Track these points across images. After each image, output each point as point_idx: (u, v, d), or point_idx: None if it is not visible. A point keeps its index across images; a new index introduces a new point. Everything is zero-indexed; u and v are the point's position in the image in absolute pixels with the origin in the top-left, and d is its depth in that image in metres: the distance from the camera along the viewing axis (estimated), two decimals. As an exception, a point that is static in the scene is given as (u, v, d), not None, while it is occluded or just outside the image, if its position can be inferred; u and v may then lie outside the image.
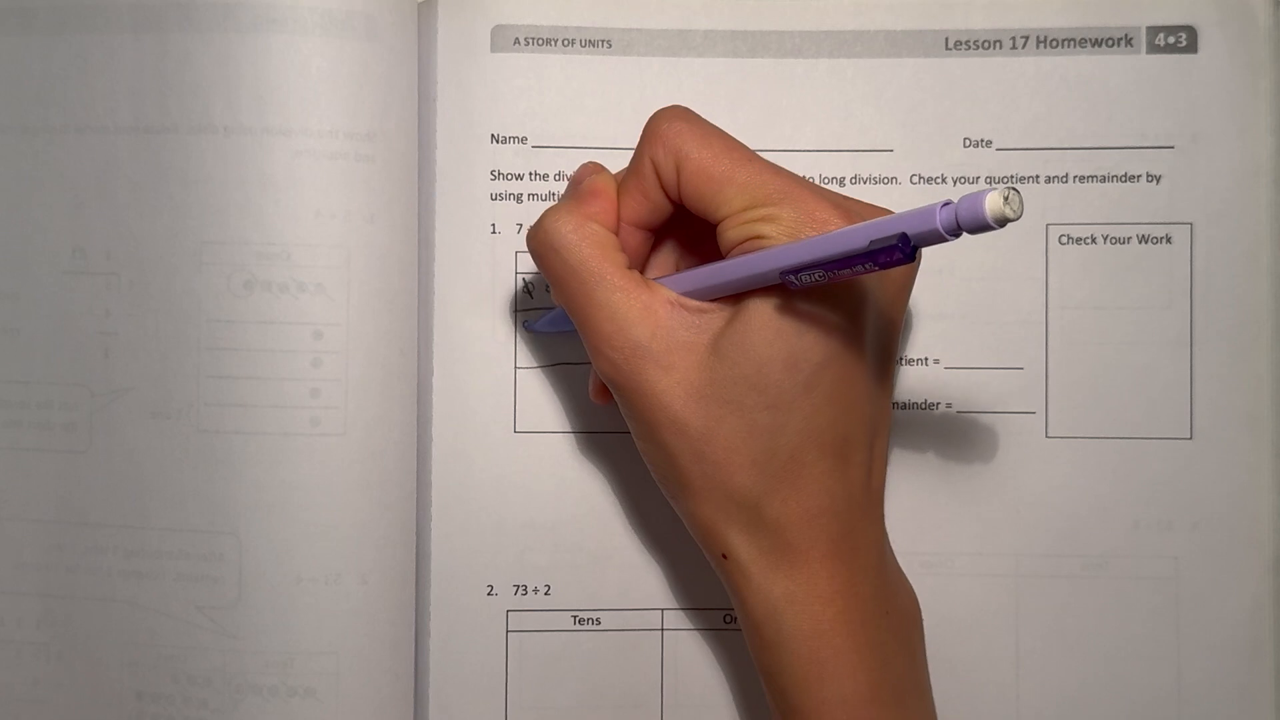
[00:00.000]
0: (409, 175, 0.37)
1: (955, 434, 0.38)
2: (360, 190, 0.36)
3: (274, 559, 0.36)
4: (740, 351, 0.29)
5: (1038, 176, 0.37)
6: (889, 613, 0.32)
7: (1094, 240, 0.37)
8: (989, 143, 0.37)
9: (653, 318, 0.30)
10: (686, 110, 0.32)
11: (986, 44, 0.37)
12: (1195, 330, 0.37)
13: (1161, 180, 0.37)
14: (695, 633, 0.38)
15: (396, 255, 0.37)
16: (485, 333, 0.37)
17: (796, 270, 0.28)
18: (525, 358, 0.38)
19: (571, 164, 0.38)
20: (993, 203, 0.24)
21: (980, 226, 0.24)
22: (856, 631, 0.30)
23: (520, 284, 0.38)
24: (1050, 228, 0.37)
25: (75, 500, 0.37)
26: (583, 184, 0.33)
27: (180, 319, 0.36)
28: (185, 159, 0.36)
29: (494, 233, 0.38)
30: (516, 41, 0.37)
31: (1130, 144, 0.37)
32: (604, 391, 0.35)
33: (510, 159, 0.38)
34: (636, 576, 0.38)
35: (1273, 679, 0.37)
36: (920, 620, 0.33)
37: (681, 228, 0.33)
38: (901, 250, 0.26)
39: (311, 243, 0.36)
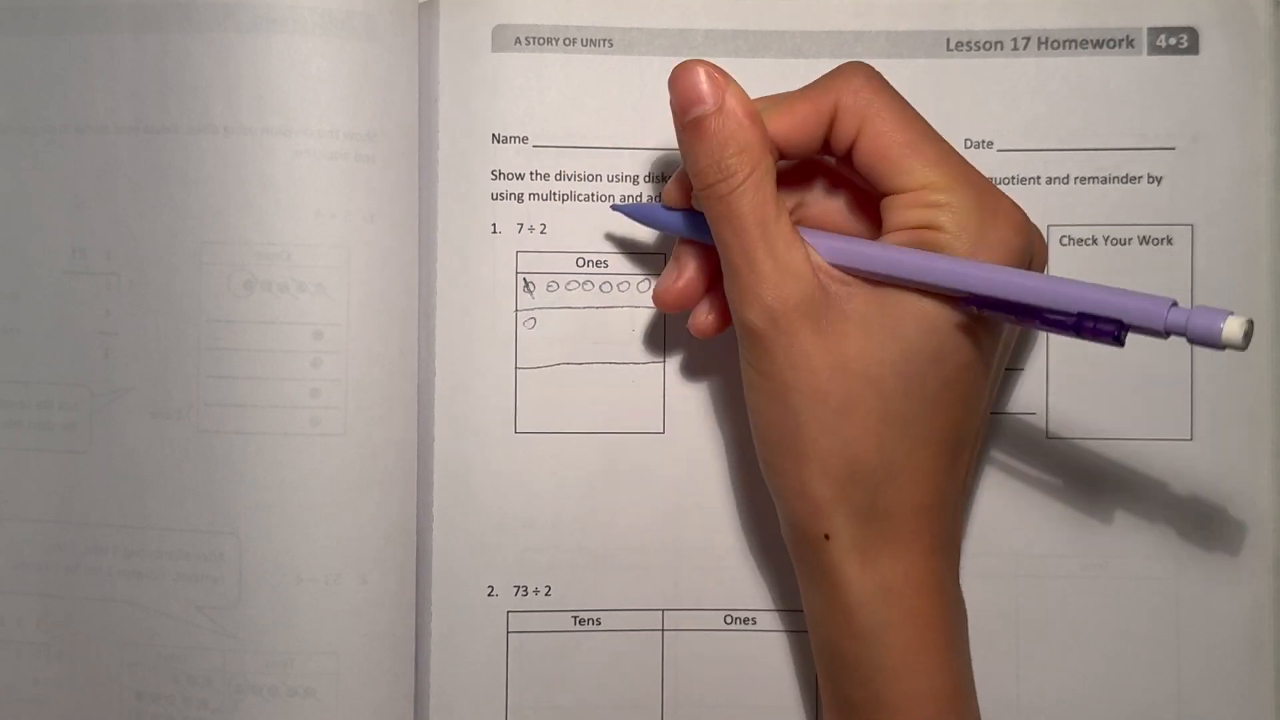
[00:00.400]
0: (409, 175, 0.37)
1: (955, 434, 0.38)
2: (360, 190, 0.36)
3: (274, 559, 0.36)
4: (891, 335, 0.29)
5: (1038, 177, 0.37)
6: (960, 612, 0.32)
7: (1095, 241, 0.37)
8: (990, 143, 0.37)
9: (814, 277, 0.29)
10: (881, 74, 0.31)
11: (987, 45, 0.37)
12: (1195, 331, 0.37)
13: (1162, 181, 0.37)
14: (695, 633, 0.38)
15: (397, 255, 0.37)
16: (486, 333, 0.37)
17: (988, 305, 0.27)
18: (526, 358, 0.38)
19: (572, 163, 0.38)
20: (1230, 329, 0.24)
21: (1210, 344, 0.24)
22: (947, 626, 0.30)
23: (520, 283, 0.38)
24: (1051, 229, 0.37)
25: (75, 500, 0.37)
26: (743, 107, 0.30)
27: (180, 319, 0.36)
28: (185, 159, 0.36)
29: (494, 232, 0.37)
30: (517, 41, 0.37)
31: (1131, 145, 0.37)
32: (677, 302, 0.33)
33: (511, 159, 0.38)
34: (636, 577, 0.38)
35: (1273, 679, 0.37)
36: (968, 623, 0.33)
37: (811, 179, 0.32)
38: (1115, 337, 0.25)
39: (312, 243, 0.36)
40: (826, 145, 0.31)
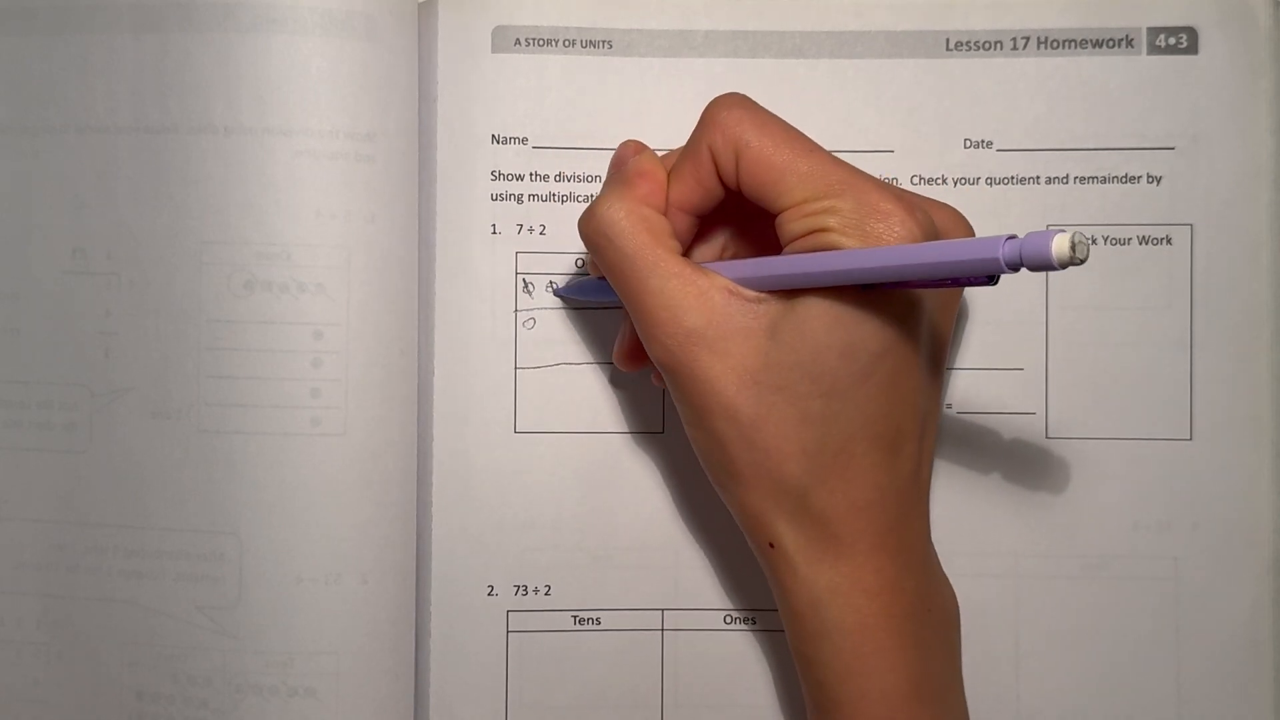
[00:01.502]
0: (409, 175, 0.37)
1: (955, 434, 0.38)
2: (360, 190, 0.36)
3: (274, 559, 0.36)
4: (798, 337, 0.29)
5: (1038, 177, 0.37)
6: (931, 609, 0.32)
7: (1095, 241, 0.37)
8: (990, 143, 0.37)
9: (708, 304, 0.30)
10: (746, 98, 0.31)
11: (987, 45, 0.37)
12: (1195, 331, 0.37)
13: (1162, 181, 0.37)
14: (695, 633, 0.38)
15: (397, 255, 0.37)
16: (485, 333, 0.37)
17: (877, 284, 0.28)
18: (525, 358, 0.38)
19: (572, 164, 0.38)
20: (1059, 246, 0.24)
21: (1044, 266, 0.24)
22: (900, 626, 0.30)
23: (520, 284, 0.38)
24: (1051, 228, 0.37)
25: (75, 500, 0.37)
26: (629, 165, 0.32)
27: (180, 319, 0.36)
28: (185, 159, 0.36)
29: (494, 233, 0.38)
30: (517, 42, 0.37)
31: (1131, 145, 0.37)
32: (632, 358, 0.35)
33: (511, 159, 0.38)
34: (636, 576, 0.38)
35: (1273, 679, 0.37)
36: (959, 619, 0.33)
37: (729, 212, 0.33)
38: (988, 278, 0.26)
39: (312, 243, 0.36)
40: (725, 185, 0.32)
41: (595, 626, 0.37)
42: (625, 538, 0.38)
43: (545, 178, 0.38)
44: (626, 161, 0.33)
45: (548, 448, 0.38)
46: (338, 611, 0.36)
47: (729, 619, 0.38)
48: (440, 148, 0.37)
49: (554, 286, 0.38)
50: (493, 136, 0.38)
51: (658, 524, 0.38)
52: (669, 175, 0.32)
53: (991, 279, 0.27)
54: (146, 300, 0.36)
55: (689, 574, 0.38)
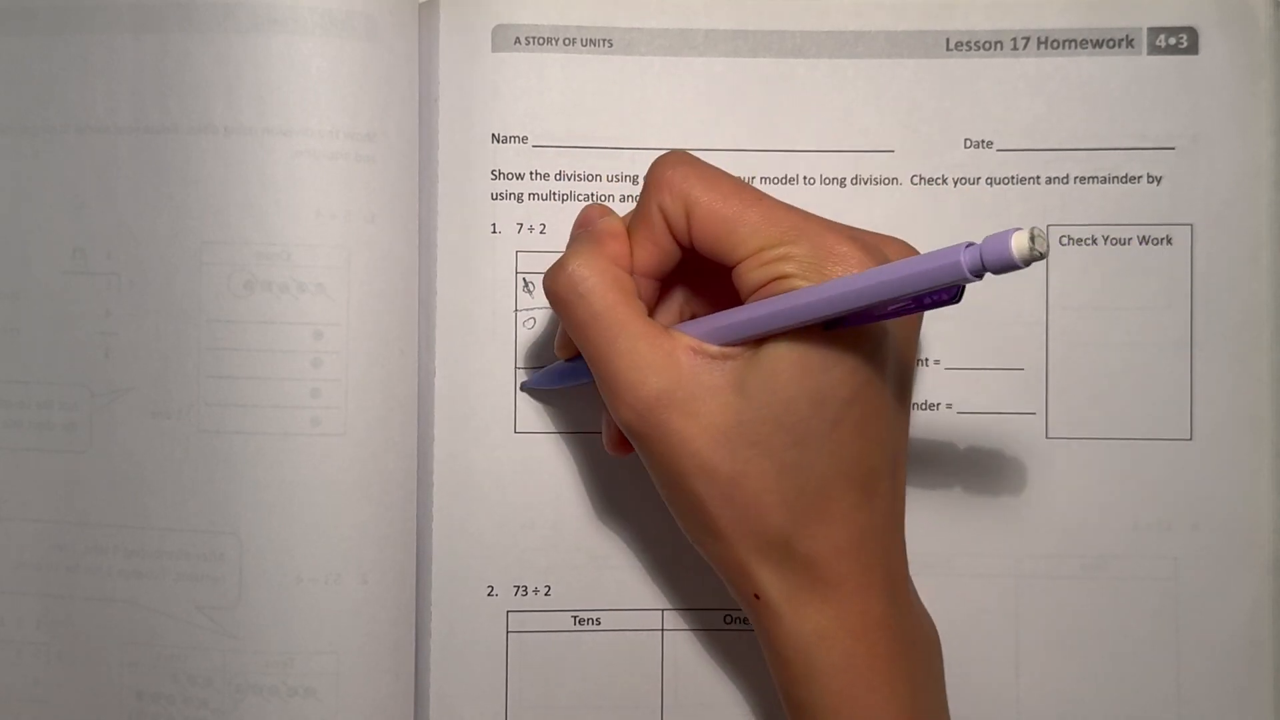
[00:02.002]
0: (409, 175, 0.37)
1: (955, 434, 0.38)
2: (360, 190, 0.36)
3: (274, 559, 0.36)
4: (767, 391, 0.29)
5: (1038, 177, 0.37)
6: (915, 643, 0.32)
7: (1094, 241, 0.37)
8: (990, 143, 0.37)
9: (675, 365, 0.30)
10: (687, 154, 0.31)
11: (987, 45, 0.37)
12: (1195, 331, 0.37)
13: (1162, 181, 0.37)
14: (695, 633, 0.38)
15: (397, 255, 0.37)
16: (486, 333, 0.37)
17: (844, 316, 0.28)
18: (526, 358, 0.38)
19: (572, 163, 0.38)
20: (1019, 243, 0.24)
21: (1007, 267, 0.24)
22: (888, 663, 0.30)
23: (520, 283, 0.38)
24: (1051, 229, 0.37)
25: (75, 500, 0.37)
26: (597, 225, 0.32)
27: (180, 319, 0.36)
28: (185, 159, 0.36)
29: (494, 232, 0.38)
30: (517, 41, 0.37)
31: (1131, 145, 0.37)
32: (623, 443, 0.34)
33: (511, 159, 0.38)
34: (636, 576, 0.38)
35: (1273, 679, 0.37)
36: (940, 647, 0.33)
37: (686, 273, 0.33)
38: (949, 294, 0.26)
39: (312, 243, 0.36)
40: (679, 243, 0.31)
41: (595, 626, 0.37)
42: (625, 538, 0.38)
43: (545, 177, 0.38)
44: (593, 223, 0.33)
45: (548, 448, 0.38)
46: (338, 611, 0.36)
47: (729, 619, 0.38)
48: (440, 147, 0.37)
49: (523, 384, 0.37)
50: (493, 136, 0.38)
51: (658, 524, 0.38)
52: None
53: (954, 297, 0.26)
54: (146, 300, 0.36)
55: (689, 574, 0.38)
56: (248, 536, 0.36)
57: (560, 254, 0.37)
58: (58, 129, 0.37)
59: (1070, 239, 0.37)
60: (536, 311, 0.38)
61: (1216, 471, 0.37)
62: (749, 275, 0.30)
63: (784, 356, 0.29)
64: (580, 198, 0.38)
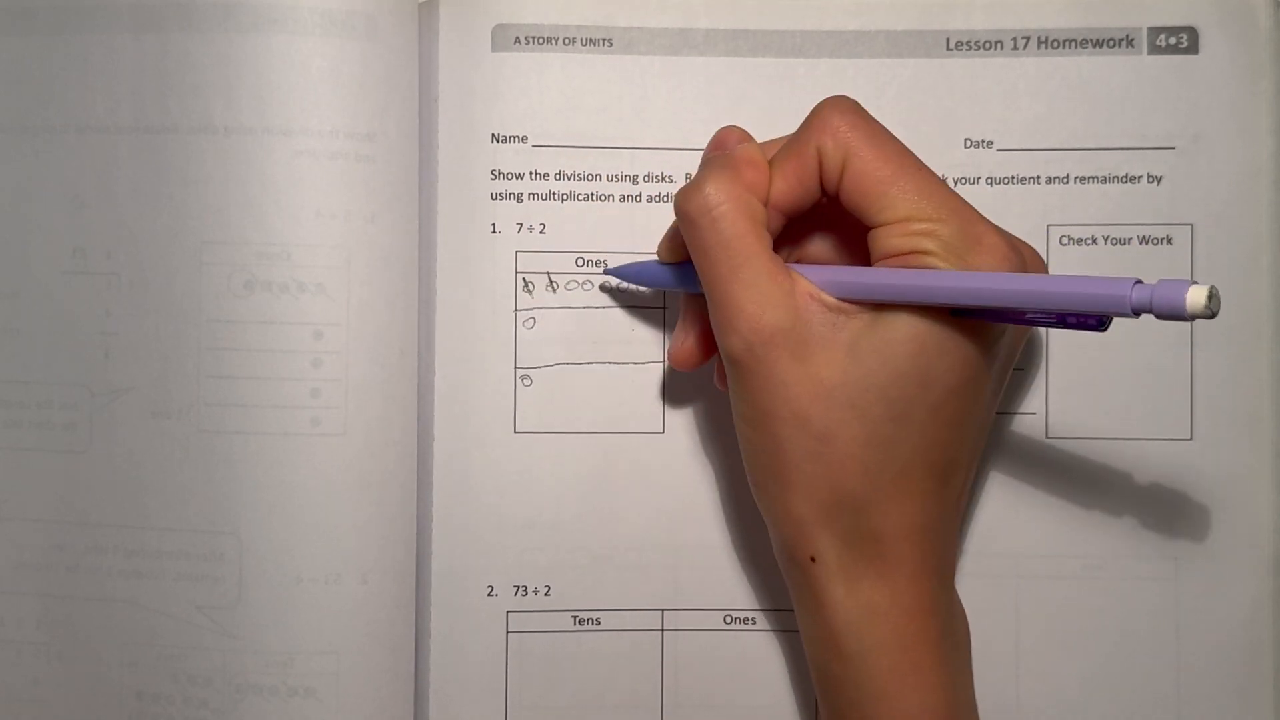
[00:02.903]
0: (409, 175, 0.37)
1: (955, 434, 0.38)
2: (361, 190, 0.36)
3: (274, 559, 0.36)
4: (879, 359, 0.29)
5: (1038, 177, 0.37)
6: (956, 632, 0.32)
7: (1095, 241, 0.37)
8: (990, 143, 0.37)
9: (794, 305, 0.30)
10: (857, 104, 0.31)
11: (987, 44, 0.37)
12: (1195, 331, 0.37)
13: (1162, 181, 0.37)
14: (695, 633, 0.38)
15: (397, 255, 0.37)
16: (486, 333, 0.37)
17: (979, 311, 0.28)
18: (526, 358, 0.38)
19: (572, 163, 0.38)
20: (1194, 297, 0.24)
21: (1174, 316, 0.24)
22: (935, 647, 0.30)
23: (520, 283, 0.38)
24: (1051, 228, 0.37)
25: (75, 500, 0.37)
26: (735, 151, 0.32)
27: (180, 319, 0.36)
28: (185, 159, 0.36)
29: (494, 232, 0.37)
30: (517, 40, 0.37)
31: (1131, 145, 0.37)
32: (689, 358, 0.34)
33: (511, 158, 0.38)
34: (636, 576, 0.38)
35: (1273, 679, 0.37)
36: (970, 642, 0.33)
37: (813, 217, 0.33)
38: (1097, 321, 0.26)
39: (312, 243, 0.36)
40: (823, 188, 0.31)
41: (595, 627, 0.37)
42: (625, 538, 0.38)
43: (545, 176, 0.38)
44: (728, 145, 0.32)
45: (548, 448, 0.38)
46: (338, 611, 0.36)
47: (729, 619, 0.38)
48: (440, 147, 0.37)
49: (608, 269, 0.37)
50: (493, 135, 0.37)
51: (658, 524, 0.38)
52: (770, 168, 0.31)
53: (1101, 324, 0.26)
54: (146, 300, 0.36)
55: (689, 574, 0.38)
56: (248, 536, 0.36)
57: (561, 253, 0.38)
58: (58, 129, 0.37)
59: (1070, 239, 0.37)
60: (536, 311, 0.38)
61: (1216, 471, 0.37)
62: (888, 241, 0.29)
63: (903, 329, 0.29)
64: (580, 198, 0.38)
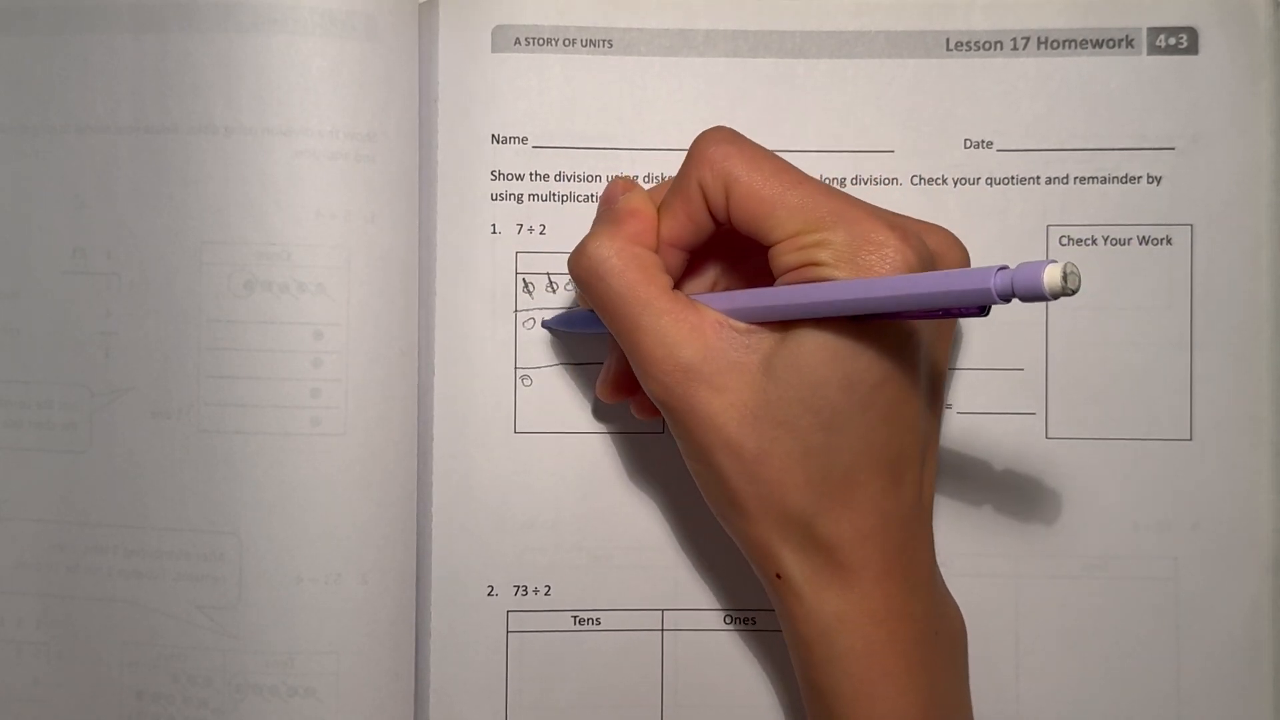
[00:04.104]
0: (409, 175, 0.37)
1: (955, 434, 0.38)
2: (361, 190, 0.36)
3: (274, 559, 0.36)
4: (795, 373, 0.29)
5: (1038, 177, 0.37)
6: (939, 632, 0.32)
7: (1094, 241, 0.37)
8: (990, 144, 0.37)
9: (702, 339, 0.30)
10: (733, 132, 0.31)
11: (987, 45, 0.37)
12: (1195, 331, 0.37)
13: (1162, 181, 0.37)
14: (695, 633, 0.38)
15: (397, 255, 0.37)
16: (486, 333, 0.37)
17: (868, 316, 0.28)
18: (526, 358, 0.38)
19: (572, 164, 0.38)
20: (1051, 276, 0.24)
21: (1036, 297, 0.24)
22: (908, 651, 0.30)
23: (520, 284, 0.38)
24: (1051, 229, 0.37)
25: (75, 500, 0.37)
26: (618, 204, 0.32)
27: (180, 319, 0.36)
28: (185, 159, 0.36)
29: (494, 233, 0.38)
30: (517, 41, 0.37)
31: (1131, 145, 0.37)
32: (615, 390, 0.35)
33: (511, 159, 0.38)
34: (636, 576, 0.38)
35: (1272, 679, 0.37)
36: (965, 638, 0.33)
37: (719, 246, 0.33)
38: (980, 309, 0.26)
39: (312, 243, 0.36)
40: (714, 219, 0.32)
41: (595, 626, 0.37)
42: (625, 538, 0.38)
43: (545, 177, 0.38)
44: (615, 199, 0.33)
45: (548, 448, 0.38)
46: (338, 611, 0.36)
47: (729, 619, 0.38)
48: (440, 147, 0.37)
49: (545, 321, 0.37)
50: (493, 136, 0.38)
51: (658, 524, 0.38)
52: (660, 210, 0.32)
53: (983, 310, 0.27)
54: (146, 300, 0.36)
55: (689, 574, 0.38)
56: (248, 536, 0.36)
57: (561, 253, 0.38)
58: (58, 129, 0.37)
59: (1070, 239, 0.37)
60: (536, 311, 0.38)
61: (1216, 471, 0.37)
62: (783, 258, 0.30)
63: (812, 342, 0.29)
64: (580, 198, 0.38)
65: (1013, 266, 0.25)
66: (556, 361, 0.38)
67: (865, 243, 0.29)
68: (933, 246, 0.30)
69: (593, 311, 0.35)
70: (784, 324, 0.30)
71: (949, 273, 0.27)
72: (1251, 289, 0.37)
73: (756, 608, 0.37)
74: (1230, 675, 0.37)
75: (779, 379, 0.29)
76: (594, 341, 0.38)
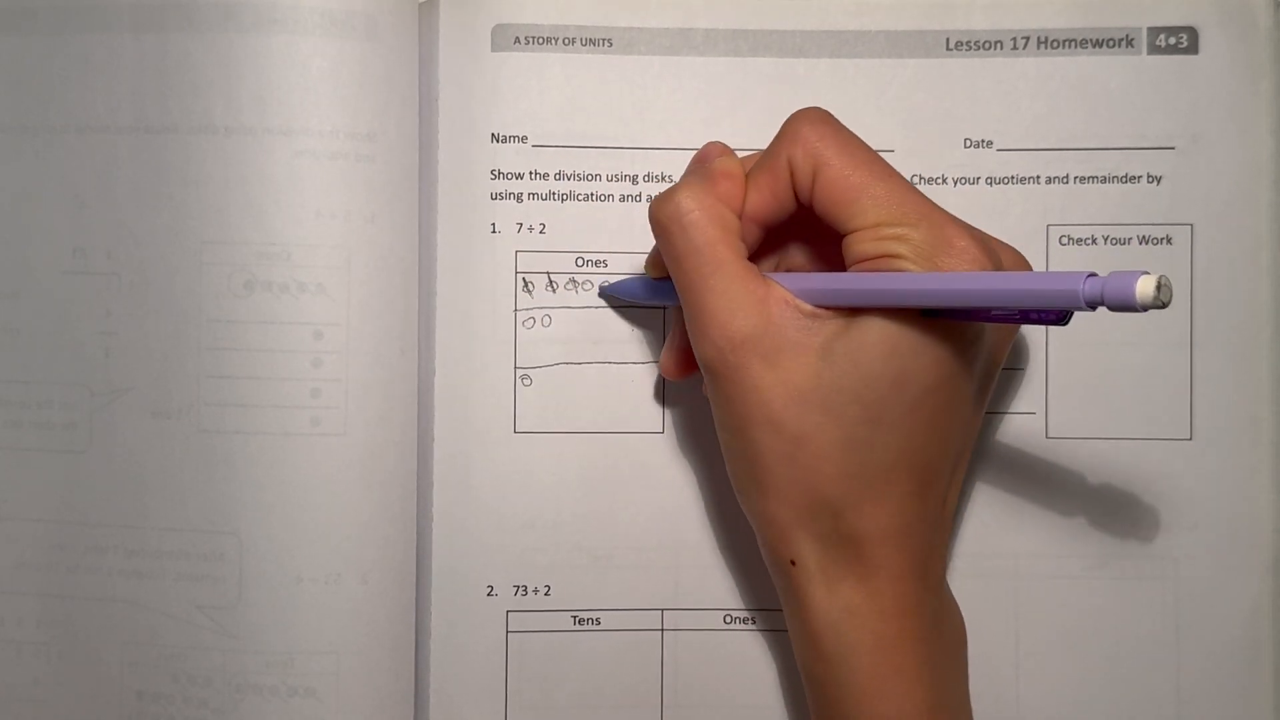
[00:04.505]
0: (409, 175, 0.37)
1: (955, 434, 0.38)
2: (361, 190, 0.36)
3: (274, 559, 0.36)
4: (851, 362, 0.29)
5: (1038, 177, 0.37)
6: (944, 633, 0.32)
7: (1094, 241, 0.37)
8: (990, 143, 0.37)
9: (765, 311, 0.30)
10: (828, 114, 0.31)
11: (987, 44, 0.37)
12: (1195, 331, 0.37)
13: (1162, 181, 0.37)
14: (695, 633, 0.38)
15: (397, 255, 0.37)
16: (486, 333, 0.37)
17: (946, 309, 0.28)
18: (526, 358, 0.38)
19: (571, 163, 0.38)
20: (1144, 288, 0.24)
21: (1125, 308, 0.24)
22: (917, 649, 0.30)
23: (520, 283, 0.38)
24: (1051, 228, 0.37)
25: (75, 500, 0.37)
26: (713, 163, 0.32)
27: (180, 319, 0.36)
28: (186, 159, 0.36)
29: (494, 232, 0.38)
30: (517, 40, 0.37)
31: (1131, 145, 0.37)
32: (679, 367, 0.35)
33: (511, 158, 0.38)
34: (636, 576, 0.38)
35: (1272, 679, 0.37)
36: (966, 643, 0.33)
37: (792, 227, 0.33)
38: (1058, 315, 0.26)
39: (312, 243, 0.36)
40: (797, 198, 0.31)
41: (595, 626, 0.37)
42: (625, 538, 0.38)
43: (545, 176, 0.38)
44: (710, 159, 0.33)
45: (548, 448, 0.38)
46: (338, 611, 0.36)
47: (729, 619, 0.38)
48: (440, 147, 0.37)
49: (603, 286, 0.37)
50: (492, 135, 0.38)
51: (658, 524, 0.38)
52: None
53: (1062, 319, 0.26)
54: (146, 300, 0.36)
55: (689, 574, 0.38)
56: (248, 536, 0.36)
57: (561, 253, 0.38)
58: (58, 129, 0.37)
59: (1070, 239, 0.37)
60: (536, 311, 0.38)
61: (1216, 471, 0.37)
62: (860, 246, 0.29)
63: (876, 332, 0.29)
64: (580, 198, 0.38)
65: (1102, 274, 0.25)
66: (556, 361, 0.38)
67: (945, 244, 0.29)
68: (1006, 263, 0.31)
69: (650, 280, 0.35)
70: (851, 312, 0.29)
71: (1038, 273, 0.26)
72: (1251, 289, 0.37)
73: (756, 608, 0.37)
74: (1230, 675, 0.37)
75: (835, 365, 0.29)
76: (596, 344, 0.38)
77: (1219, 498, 0.37)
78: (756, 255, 0.33)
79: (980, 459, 0.38)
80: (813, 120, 0.31)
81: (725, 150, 0.33)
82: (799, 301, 0.30)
